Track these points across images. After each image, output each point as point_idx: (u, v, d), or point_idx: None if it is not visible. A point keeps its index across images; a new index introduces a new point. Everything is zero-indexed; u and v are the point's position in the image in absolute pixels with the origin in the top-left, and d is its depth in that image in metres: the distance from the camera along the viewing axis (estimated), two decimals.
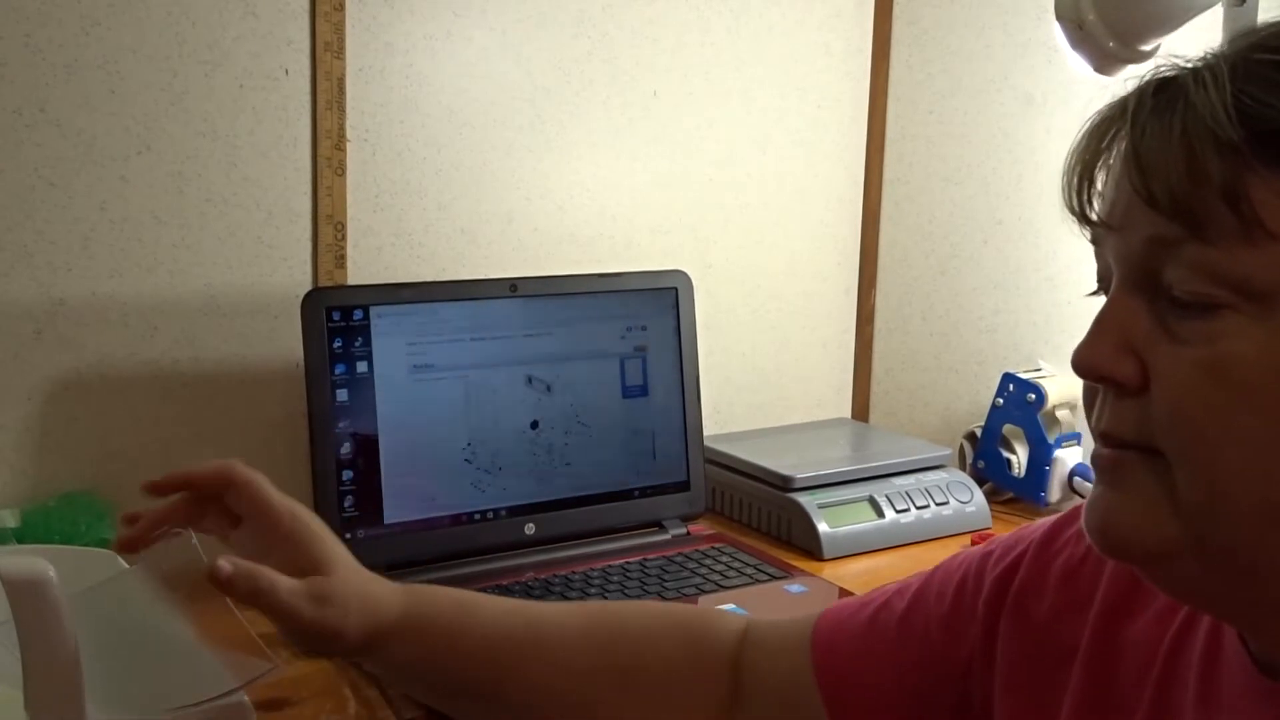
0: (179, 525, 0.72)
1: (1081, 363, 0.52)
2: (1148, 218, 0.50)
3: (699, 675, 0.76)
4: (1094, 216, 0.53)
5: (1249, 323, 0.47)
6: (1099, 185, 0.53)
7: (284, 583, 0.69)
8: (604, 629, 0.77)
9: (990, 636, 0.68)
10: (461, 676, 0.75)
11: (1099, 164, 0.53)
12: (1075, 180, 0.53)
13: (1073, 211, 0.54)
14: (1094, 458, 0.54)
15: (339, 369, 1.17)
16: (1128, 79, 0.53)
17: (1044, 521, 0.70)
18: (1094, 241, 0.55)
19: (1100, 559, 0.64)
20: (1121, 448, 0.52)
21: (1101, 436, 0.53)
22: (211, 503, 0.74)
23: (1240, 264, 0.47)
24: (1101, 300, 0.54)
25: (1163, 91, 0.50)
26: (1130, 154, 0.50)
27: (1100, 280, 0.55)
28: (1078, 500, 0.71)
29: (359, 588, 0.72)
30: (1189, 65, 0.51)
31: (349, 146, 1.30)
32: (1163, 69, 0.52)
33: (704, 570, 1.23)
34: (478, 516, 1.24)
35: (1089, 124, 0.54)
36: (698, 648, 0.77)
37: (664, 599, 1.16)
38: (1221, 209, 0.47)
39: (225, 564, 0.67)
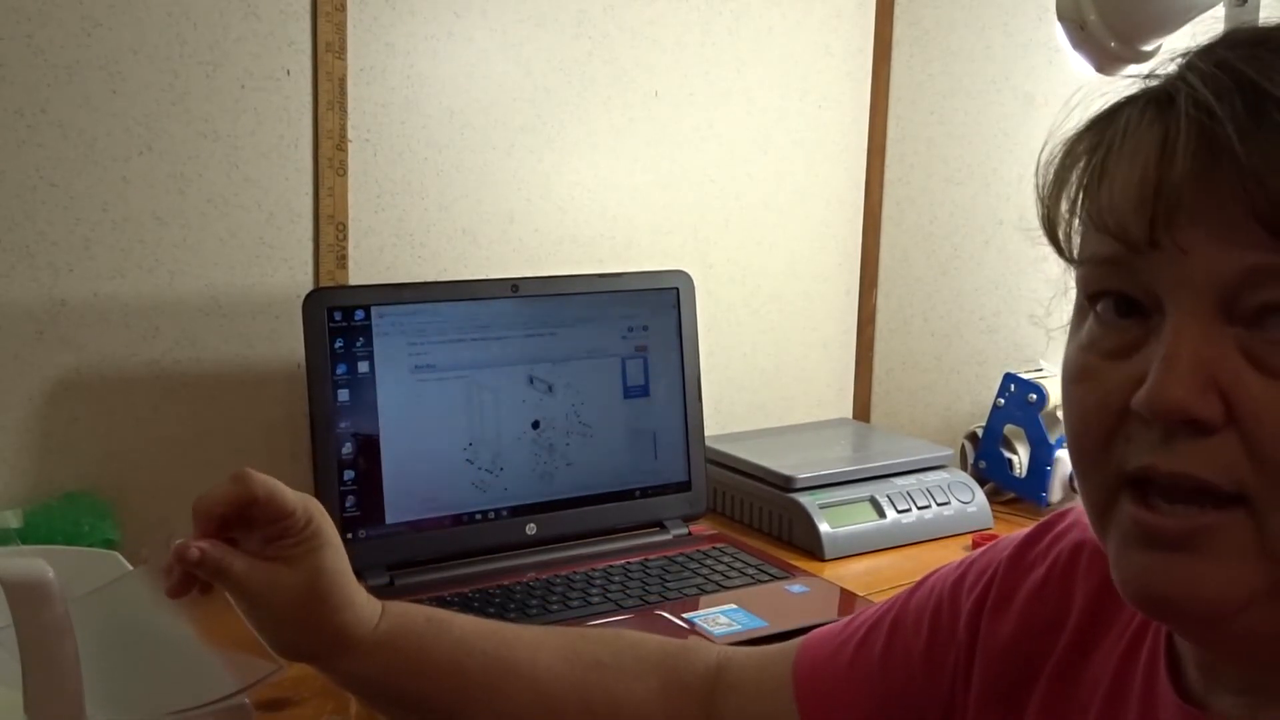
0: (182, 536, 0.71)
1: (1166, 404, 0.46)
2: (1252, 242, 0.45)
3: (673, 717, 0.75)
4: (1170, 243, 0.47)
5: None
6: (1104, 198, 0.49)
7: (240, 565, 0.68)
8: (580, 664, 0.75)
9: (969, 662, 0.67)
10: (427, 695, 0.73)
11: (1106, 171, 0.49)
12: (1150, 202, 0.47)
13: (1149, 242, 0.48)
14: (1150, 527, 0.48)
15: (340, 369, 1.17)
16: (1126, 77, 0.51)
17: (1013, 538, 0.69)
18: (1094, 261, 0.51)
19: (1067, 579, 0.64)
20: (1200, 493, 0.47)
21: (1184, 480, 0.47)
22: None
23: None
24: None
25: (1244, 95, 0.46)
26: (1245, 169, 0.45)
27: (1098, 298, 0.51)
28: (1063, 508, 0.70)
29: (332, 598, 0.70)
30: (1229, 67, 0.47)
31: (350, 147, 1.30)
32: (1173, 72, 0.49)
33: (705, 570, 1.23)
34: (479, 517, 1.24)
35: (1090, 130, 0.51)
36: (673, 691, 0.75)
37: (665, 599, 1.16)
38: None
39: (193, 548, 0.66)
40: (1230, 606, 0.47)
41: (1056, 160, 0.53)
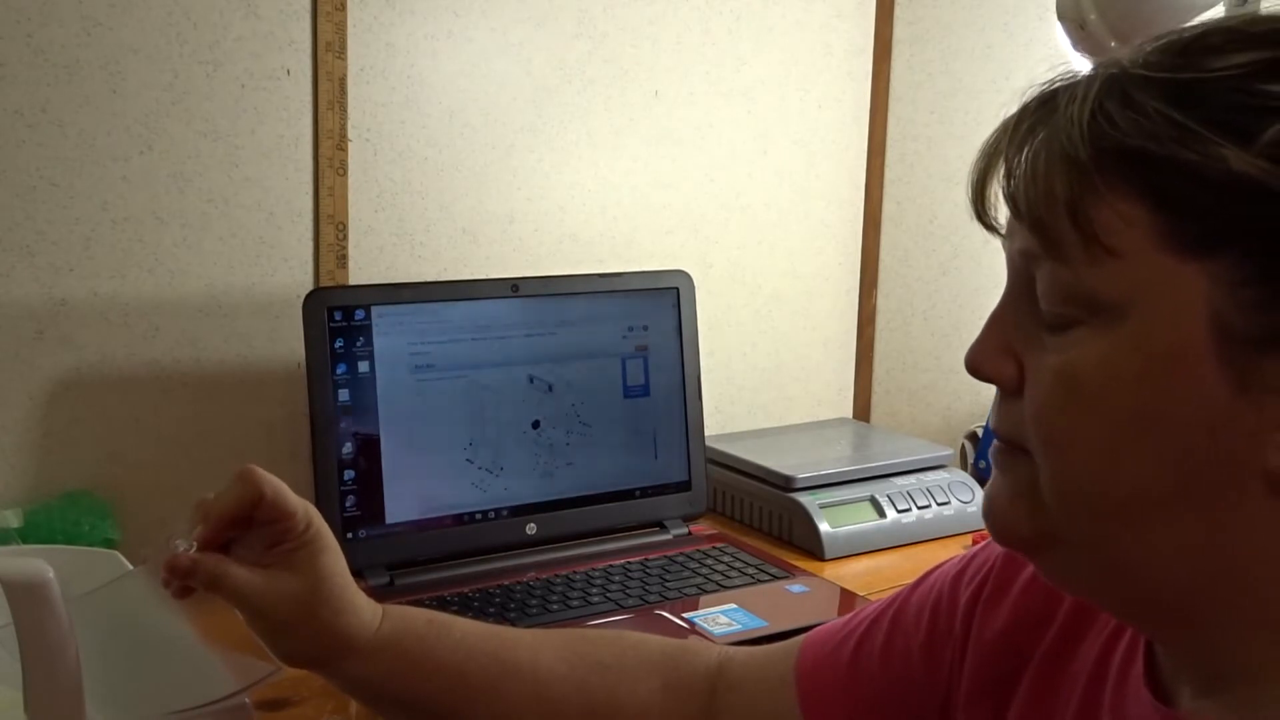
0: (180, 535, 0.71)
1: (968, 362, 0.55)
2: (1019, 230, 0.52)
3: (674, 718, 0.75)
4: (995, 224, 0.55)
5: (1094, 334, 0.49)
6: (990, 194, 0.54)
7: (237, 574, 0.67)
8: (581, 665, 0.75)
9: (964, 654, 0.68)
10: (429, 697, 0.73)
11: (992, 174, 0.53)
12: (972, 189, 0.54)
13: (977, 219, 0.55)
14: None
15: (340, 369, 1.17)
16: (1028, 88, 0.53)
17: None
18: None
19: None
20: (1007, 443, 0.54)
21: (997, 434, 0.56)
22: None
23: (1087, 281, 0.49)
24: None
25: (1044, 105, 0.51)
26: (1004, 168, 0.52)
27: None
28: None
29: (334, 601, 0.70)
30: (1073, 77, 0.51)
31: (350, 146, 1.30)
32: (1055, 80, 0.52)
33: (705, 570, 1.23)
34: (479, 516, 1.24)
35: (991, 134, 0.54)
36: (674, 691, 0.75)
37: (665, 599, 1.16)
38: (1068, 227, 0.49)
39: (184, 558, 0.66)
40: (1022, 537, 0.54)
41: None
